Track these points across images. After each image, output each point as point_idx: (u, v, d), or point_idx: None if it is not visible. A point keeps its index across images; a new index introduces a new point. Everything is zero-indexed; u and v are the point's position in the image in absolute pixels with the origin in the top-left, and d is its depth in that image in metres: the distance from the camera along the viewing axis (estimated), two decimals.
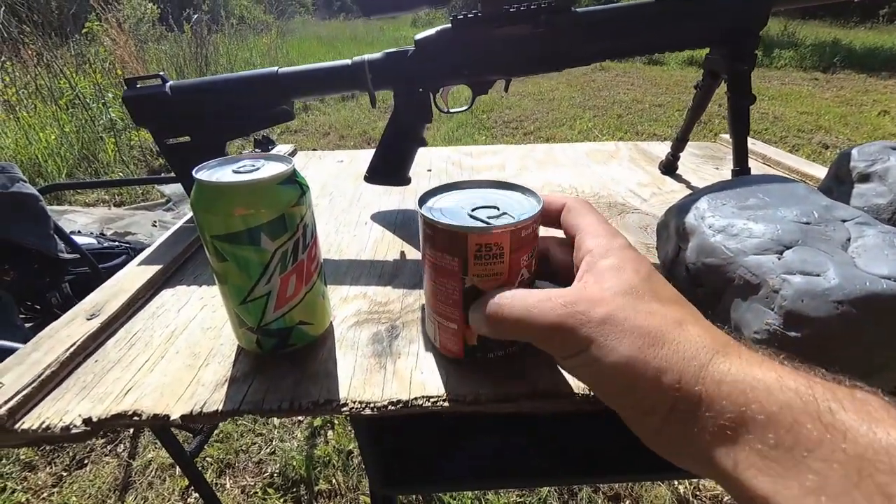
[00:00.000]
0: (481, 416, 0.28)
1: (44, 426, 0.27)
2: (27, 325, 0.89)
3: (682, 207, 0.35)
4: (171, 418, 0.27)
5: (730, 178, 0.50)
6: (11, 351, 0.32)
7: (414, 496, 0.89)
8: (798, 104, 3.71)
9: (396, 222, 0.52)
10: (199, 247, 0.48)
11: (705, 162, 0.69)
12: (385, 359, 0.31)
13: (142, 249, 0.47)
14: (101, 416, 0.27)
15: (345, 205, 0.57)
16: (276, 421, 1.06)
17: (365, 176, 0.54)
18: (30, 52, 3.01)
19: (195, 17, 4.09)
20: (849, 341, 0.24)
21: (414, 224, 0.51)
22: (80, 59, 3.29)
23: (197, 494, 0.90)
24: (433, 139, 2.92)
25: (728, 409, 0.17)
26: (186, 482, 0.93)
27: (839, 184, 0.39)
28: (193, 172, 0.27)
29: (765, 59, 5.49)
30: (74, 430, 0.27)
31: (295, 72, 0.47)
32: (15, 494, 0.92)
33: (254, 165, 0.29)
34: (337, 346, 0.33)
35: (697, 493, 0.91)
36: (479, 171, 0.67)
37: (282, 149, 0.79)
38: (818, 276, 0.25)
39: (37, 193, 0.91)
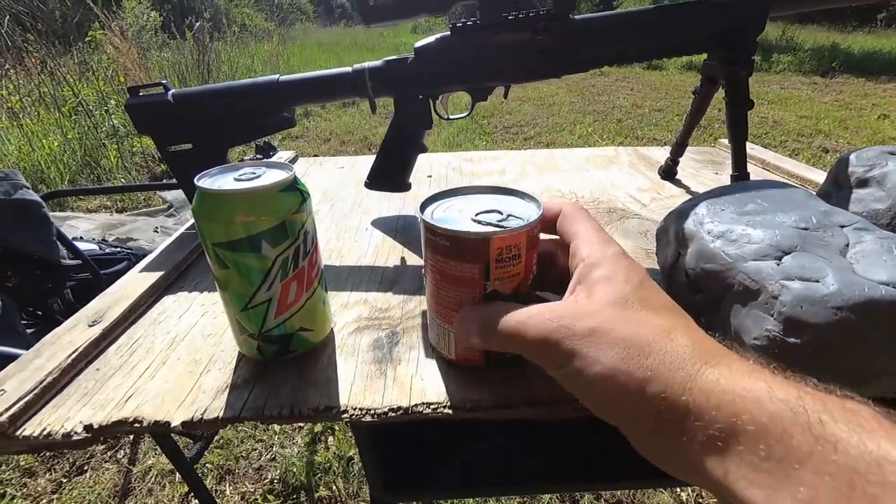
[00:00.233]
0: (482, 422, 0.28)
1: (45, 433, 0.27)
2: (29, 331, 0.89)
3: (681, 213, 0.35)
4: (173, 425, 0.27)
5: (729, 183, 0.50)
6: (13, 357, 0.32)
7: (414, 503, 0.88)
8: (797, 108, 3.72)
9: (397, 228, 0.52)
10: (200, 253, 0.48)
11: (704, 167, 0.69)
12: (385, 365, 0.31)
13: (143, 255, 0.47)
14: (103, 423, 0.27)
15: (345, 210, 0.57)
16: (276, 427, 1.06)
17: (365, 182, 0.54)
18: (34, 60, 3.04)
19: (197, 24, 4.12)
20: (848, 347, 0.24)
21: (414, 230, 0.52)
22: (84, 67, 3.32)
23: (196, 501, 0.90)
24: (433, 144, 2.93)
25: (718, 419, 0.17)
26: (186, 489, 0.92)
27: (838, 189, 0.39)
28: (195, 180, 0.28)
29: (763, 64, 5.51)
30: (76, 437, 0.27)
31: (296, 79, 0.48)
32: (14, 501, 0.91)
33: (255, 173, 0.29)
34: (337, 352, 0.33)
35: (700, 500, 0.90)
36: (480, 177, 0.68)
37: (283, 155, 0.80)
38: (817, 282, 0.25)
39: (39, 200, 0.92)
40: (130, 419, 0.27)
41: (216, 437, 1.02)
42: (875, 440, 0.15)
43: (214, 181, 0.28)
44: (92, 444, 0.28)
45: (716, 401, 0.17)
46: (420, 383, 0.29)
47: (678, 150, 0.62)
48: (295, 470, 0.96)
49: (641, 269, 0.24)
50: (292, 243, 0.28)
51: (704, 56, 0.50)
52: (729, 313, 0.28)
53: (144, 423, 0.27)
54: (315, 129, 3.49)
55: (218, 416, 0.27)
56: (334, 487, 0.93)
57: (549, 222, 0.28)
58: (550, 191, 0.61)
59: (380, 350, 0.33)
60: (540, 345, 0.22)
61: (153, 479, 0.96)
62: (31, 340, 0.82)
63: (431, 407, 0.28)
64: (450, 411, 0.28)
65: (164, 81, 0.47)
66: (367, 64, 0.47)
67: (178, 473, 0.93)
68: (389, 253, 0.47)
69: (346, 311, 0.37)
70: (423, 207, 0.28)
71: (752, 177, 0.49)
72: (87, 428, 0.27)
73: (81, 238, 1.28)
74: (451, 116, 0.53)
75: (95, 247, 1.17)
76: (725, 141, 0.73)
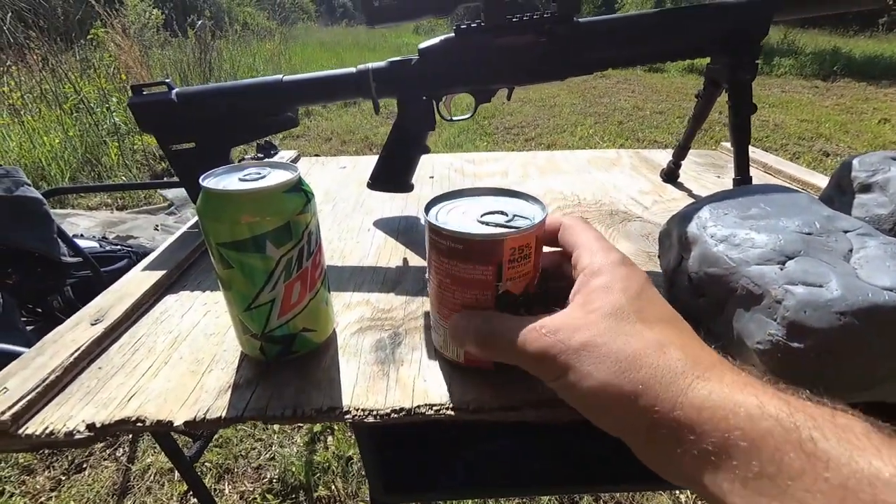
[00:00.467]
0: (483, 424, 0.28)
1: (47, 431, 0.27)
2: (28, 328, 0.89)
3: (684, 216, 0.35)
4: (175, 424, 0.27)
5: (731, 186, 0.50)
6: (14, 355, 0.32)
7: None
8: (798, 112, 3.72)
9: (399, 229, 0.52)
10: (202, 252, 0.48)
11: (707, 170, 0.69)
12: (388, 366, 0.31)
13: (144, 253, 0.47)
14: (105, 422, 0.27)
15: (348, 211, 0.57)
16: (275, 426, 1.06)
17: (368, 182, 0.54)
18: (35, 57, 3.04)
19: (199, 22, 4.13)
20: (851, 353, 0.24)
21: (416, 231, 0.52)
22: (85, 64, 3.32)
23: (195, 500, 0.90)
24: (434, 145, 2.93)
25: (710, 434, 0.17)
26: (185, 487, 0.92)
27: (840, 194, 0.39)
28: (200, 180, 0.28)
29: (765, 67, 5.51)
30: (78, 436, 0.27)
31: (300, 79, 0.48)
32: (13, 498, 0.91)
33: (260, 173, 0.29)
34: (340, 353, 0.33)
35: (700, 502, 0.90)
36: (482, 178, 0.68)
37: (285, 154, 0.80)
38: (821, 286, 0.25)
39: (40, 197, 0.92)
40: (133, 418, 0.27)
41: (215, 436, 1.02)
42: (866, 458, 0.15)
43: (219, 181, 0.28)
44: (94, 443, 0.28)
45: (707, 415, 0.17)
46: (423, 384, 0.29)
47: (680, 153, 0.62)
48: (294, 469, 0.96)
49: (641, 277, 0.24)
50: (296, 244, 0.28)
51: (707, 59, 0.50)
52: (732, 317, 0.28)
53: (147, 423, 0.27)
54: (316, 128, 3.49)
55: (220, 416, 0.27)
56: (333, 487, 0.93)
57: (550, 236, 0.29)
58: (552, 193, 0.61)
59: (382, 351, 0.33)
60: (537, 360, 0.22)
61: (152, 477, 0.96)
62: (31, 338, 0.82)
63: (434, 408, 0.28)
64: (452, 413, 0.28)
65: (167, 80, 0.47)
66: (370, 65, 0.47)
67: (177, 472, 0.93)
68: (392, 254, 0.47)
69: (348, 312, 0.37)
70: (427, 211, 0.28)
71: (755, 181, 0.49)
72: (90, 427, 0.27)
73: (82, 235, 1.27)
74: (454, 118, 0.53)
75: (96, 244, 1.17)
76: (727, 144, 0.73)
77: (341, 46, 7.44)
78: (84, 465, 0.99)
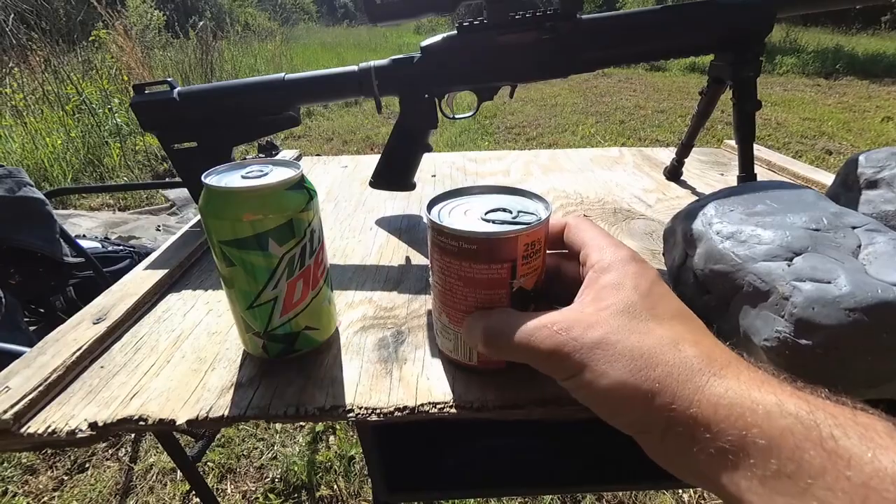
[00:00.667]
0: (487, 422, 0.28)
1: (50, 430, 0.27)
2: (31, 328, 0.90)
3: (689, 213, 0.35)
4: (177, 423, 0.27)
5: (735, 184, 0.49)
6: (16, 354, 0.32)
7: (416, 503, 0.88)
8: (801, 110, 3.71)
9: (401, 227, 0.52)
10: (205, 251, 0.48)
11: (710, 168, 0.69)
12: (391, 364, 0.31)
13: (146, 254, 0.47)
14: (107, 421, 0.27)
15: (350, 210, 0.57)
16: (277, 426, 1.06)
17: (370, 181, 0.54)
18: (37, 59, 3.05)
19: (200, 24, 4.13)
20: (861, 349, 0.24)
21: (419, 229, 0.51)
22: (87, 66, 3.32)
23: (198, 499, 0.90)
24: (436, 145, 2.92)
25: (727, 432, 0.17)
26: (187, 487, 0.92)
27: (847, 190, 0.39)
28: (203, 178, 0.27)
29: (767, 66, 5.49)
30: (80, 435, 0.27)
31: (302, 78, 0.47)
32: (16, 498, 0.91)
33: (262, 171, 0.29)
34: (343, 351, 0.32)
35: (702, 501, 0.90)
36: (484, 177, 0.67)
37: (287, 154, 0.80)
38: (829, 283, 0.25)
39: (43, 197, 0.92)
40: (135, 417, 0.27)
41: (217, 436, 1.02)
42: (889, 456, 0.14)
43: (222, 179, 0.28)
44: (96, 441, 0.27)
45: (724, 413, 0.17)
46: (426, 383, 0.29)
47: (683, 151, 0.62)
48: (296, 469, 0.96)
49: (652, 273, 0.24)
50: (299, 242, 0.28)
51: (711, 57, 0.50)
52: (738, 314, 0.28)
53: (149, 421, 0.27)
54: (317, 128, 3.50)
55: (223, 415, 0.27)
56: (335, 487, 0.93)
57: (554, 237, 0.28)
58: (555, 191, 0.61)
59: (385, 349, 0.33)
60: (549, 357, 0.22)
61: (154, 477, 0.96)
62: (33, 338, 0.82)
63: (438, 406, 0.28)
64: (456, 411, 0.27)
65: (169, 79, 0.47)
66: (373, 63, 0.47)
67: (179, 472, 0.94)
68: (394, 252, 0.47)
69: (351, 311, 0.37)
70: (429, 213, 0.27)
71: (759, 178, 0.49)
72: (92, 426, 0.27)
73: (84, 236, 1.28)
74: (456, 116, 0.53)
75: (98, 245, 1.18)
76: (731, 142, 0.73)
77: (342, 47, 7.45)
78: (87, 465, 0.99)
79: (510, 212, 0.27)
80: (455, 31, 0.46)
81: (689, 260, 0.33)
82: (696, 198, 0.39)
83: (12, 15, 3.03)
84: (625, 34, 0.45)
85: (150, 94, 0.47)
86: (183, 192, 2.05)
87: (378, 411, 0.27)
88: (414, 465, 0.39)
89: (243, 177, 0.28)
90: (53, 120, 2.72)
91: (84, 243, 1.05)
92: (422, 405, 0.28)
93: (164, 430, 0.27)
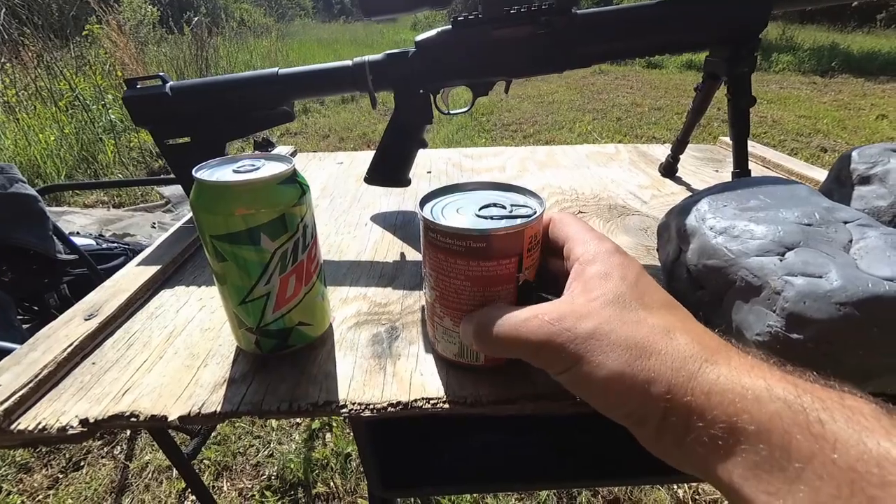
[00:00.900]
0: (481, 417, 0.28)
1: (40, 427, 0.27)
2: (24, 326, 0.89)
3: (683, 209, 0.35)
4: (169, 419, 0.27)
5: (730, 180, 0.50)
6: (8, 352, 0.32)
7: (412, 499, 0.88)
8: (796, 108, 3.72)
9: (396, 223, 0.52)
10: (198, 247, 0.47)
11: (705, 164, 0.69)
12: (385, 360, 0.31)
13: (140, 251, 0.46)
14: (99, 417, 0.27)
15: (345, 206, 0.57)
16: (273, 423, 1.06)
17: (365, 177, 0.54)
18: (30, 54, 3.01)
19: (195, 19, 4.10)
20: (851, 343, 0.24)
21: (413, 225, 0.51)
22: (80, 61, 3.29)
23: (194, 497, 0.90)
24: (432, 141, 2.92)
25: (719, 418, 0.17)
26: (183, 485, 0.92)
27: (840, 186, 0.39)
28: (193, 172, 0.27)
29: (763, 63, 5.51)
30: (71, 431, 0.26)
31: (296, 72, 0.47)
32: (10, 497, 0.91)
33: (254, 165, 0.28)
34: (336, 347, 0.32)
35: (696, 496, 0.90)
36: (480, 173, 0.67)
37: (282, 150, 0.79)
38: (820, 277, 0.25)
39: (36, 194, 0.91)
40: (127, 413, 0.27)
41: (213, 434, 1.02)
42: (874, 439, 0.15)
43: (213, 173, 0.28)
44: (88, 438, 0.27)
45: (716, 400, 0.17)
46: (420, 378, 0.29)
47: (679, 148, 0.62)
48: (292, 466, 0.96)
49: (636, 265, 0.24)
50: (291, 236, 0.28)
51: (706, 53, 0.50)
52: (731, 309, 0.28)
53: (141, 418, 0.27)
54: (314, 125, 3.48)
55: (215, 411, 0.27)
56: (332, 484, 0.93)
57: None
58: (551, 187, 0.61)
59: (379, 345, 0.32)
60: (542, 349, 0.21)
61: (150, 475, 0.95)
62: (26, 335, 0.81)
63: (431, 402, 0.28)
64: (449, 406, 0.27)
65: (161, 74, 0.47)
66: (367, 57, 0.47)
67: (175, 469, 0.93)
68: (389, 248, 0.46)
69: (345, 306, 0.37)
70: (423, 210, 0.27)
71: (753, 174, 0.49)
72: (83, 422, 0.27)
73: (78, 233, 1.27)
74: (451, 111, 0.53)
75: (92, 242, 1.17)
76: (726, 139, 0.73)
77: (339, 43, 7.40)
78: (82, 463, 0.98)
79: (504, 206, 0.27)
80: (450, 26, 0.45)
81: (682, 255, 0.33)
82: (691, 194, 0.39)
83: (4, 10, 2.99)
84: (620, 29, 0.45)
85: (143, 89, 0.47)
86: (178, 189, 2.04)
87: (371, 407, 0.27)
88: (409, 461, 0.39)
89: (235, 171, 0.28)
90: (46, 116, 2.70)
91: (78, 240, 1.04)
92: (415, 401, 0.28)
93: (156, 427, 0.27)
